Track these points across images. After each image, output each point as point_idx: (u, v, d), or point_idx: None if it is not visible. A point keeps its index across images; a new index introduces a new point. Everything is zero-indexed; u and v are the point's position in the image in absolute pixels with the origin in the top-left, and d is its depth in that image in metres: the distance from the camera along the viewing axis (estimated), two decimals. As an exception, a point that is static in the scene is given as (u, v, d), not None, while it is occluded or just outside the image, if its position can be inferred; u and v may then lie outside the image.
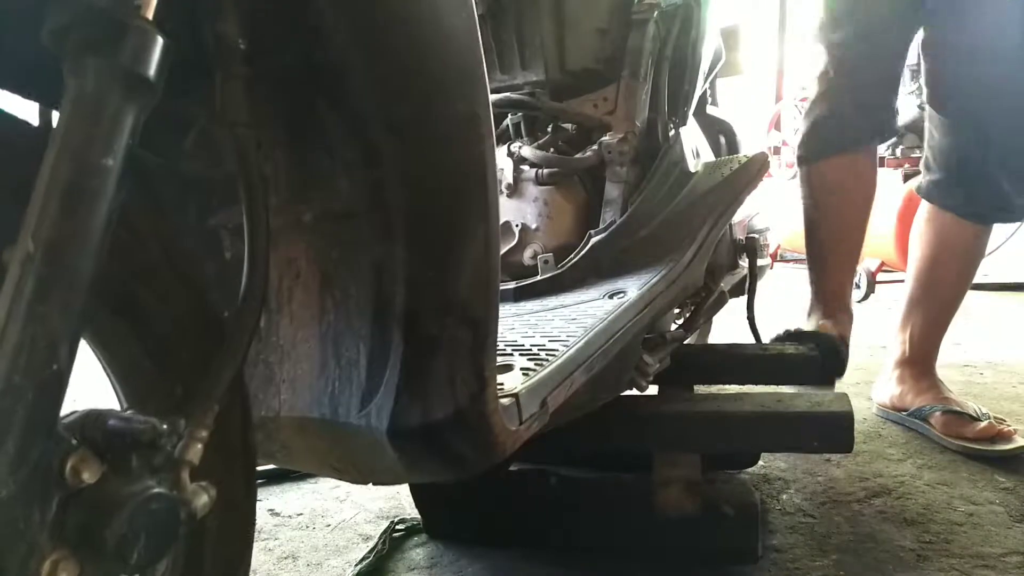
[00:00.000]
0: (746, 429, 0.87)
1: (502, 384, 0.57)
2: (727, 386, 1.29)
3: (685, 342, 1.21)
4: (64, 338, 0.32)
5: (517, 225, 1.02)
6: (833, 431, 0.85)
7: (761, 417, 0.87)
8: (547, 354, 0.63)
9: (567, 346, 0.66)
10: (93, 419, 0.34)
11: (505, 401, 0.53)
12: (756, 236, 1.32)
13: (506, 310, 0.87)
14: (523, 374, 0.59)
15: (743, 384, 1.23)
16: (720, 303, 1.10)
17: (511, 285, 0.93)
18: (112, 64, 0.34)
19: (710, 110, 1.41)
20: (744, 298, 1.32)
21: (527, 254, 1.00)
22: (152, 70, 0.35)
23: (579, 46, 1.06)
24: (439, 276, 0.49)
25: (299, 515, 1.12)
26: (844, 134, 1.33)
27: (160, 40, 0.36)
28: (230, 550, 0.43)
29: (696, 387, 1.19)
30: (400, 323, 0.49)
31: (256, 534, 1.08)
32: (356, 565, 0.94)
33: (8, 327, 0.31)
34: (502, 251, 1.03)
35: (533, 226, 1.02)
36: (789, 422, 0.86)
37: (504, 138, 1.09)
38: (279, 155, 0.51)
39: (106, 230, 0.34)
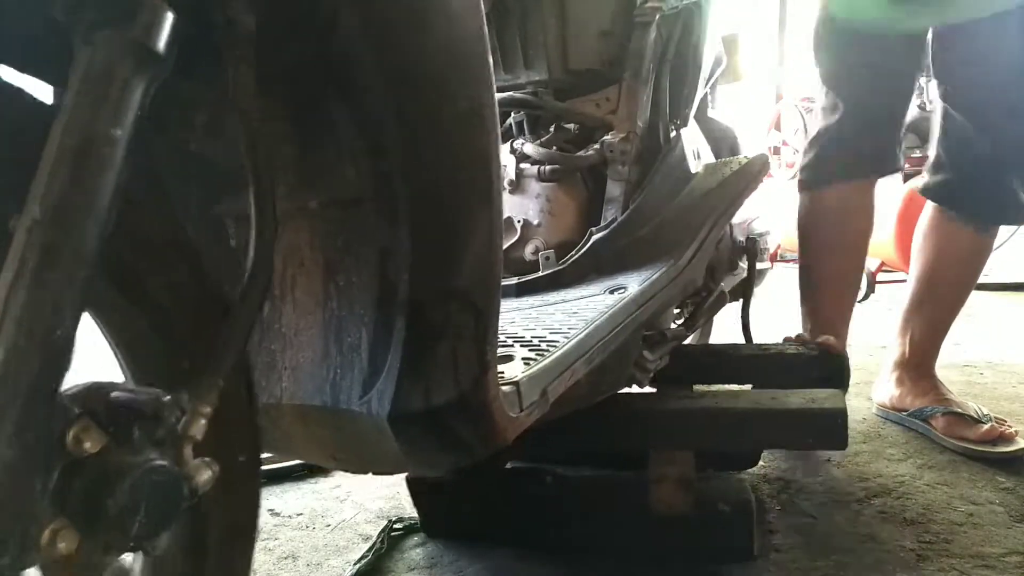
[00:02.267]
0: (741, 426, 0.87)
1: (503, 372, 0.57)
2: (727, 386, 1.30)
3: (685, 342, 1.21)
4: (69, 304, 0.32)
5: (519, 221, 1.03)
6: (828, 428, 0.85)
7: (756, 414, 0.87)
8: (548, 345, 0.64)
9: (568, 338, 0.66)
10: (96, 390, 0.34)
11: (506, 388, 0.53)
12: (756, 239, 1.32)
13: (507, 304, 0.87)
14: (524, 363, 0.59)
15: (742, 384, 1.23)
16: (720, 303, 1.10)
17: (513, 281, 0.94)
18: (123, 37, 0.35)
19: (711, 114, 1.42)
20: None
21: (528, 250, 1.01)
22: (162, 44, 0.36)
23: (582, 47, 1.07)
24: (443, 264, 0.49)
25: (299, 515, 1.12)
26: (851, 163, 1.32)
27: (171, 16, 0.36)
28: (234, 528, 0.43)
29: (695, 387, 1.19)
30: (404, 309, 0.50)
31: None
32: (355, 564, 0.94)
33: (13, 291, 0.31)
34: (504, 246, 1.04)
35: (535, 222, 1.03)
36: (784, 419, 0.87)
37: (507, 136, 1.10)
38: (287, 143, 0.52)
39: (113, 199, 0.34)
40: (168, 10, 0.35)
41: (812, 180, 1.38)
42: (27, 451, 0.31)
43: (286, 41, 0.45)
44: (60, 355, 0.32)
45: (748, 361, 1.19)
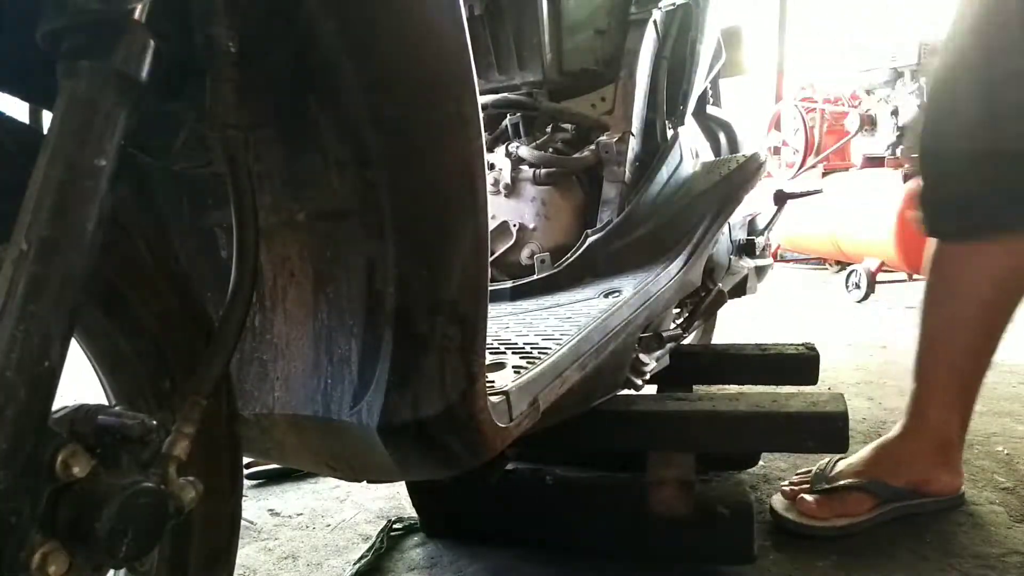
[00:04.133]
0: (741, 429, 0.87)
1: (493, 382, 0.57)
2: (727, 386, 1.29)
3: (685, 342, 1.21)
4: (56, 335, 0.33)
5: (515, 225, 1.02)
6: (828, 431, 0.85)
7: (756, 417, 0.87)
8: (540, 352, 0.64)
9: (560, 344, 0.66)
10: (83, 414, 0.35)
11: (495, 399, 0.53)
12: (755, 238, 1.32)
13: (502, 309, 0.87)
14: (514, 372, 0.59)
15: (742, 384, 1.23)
16: (719, 302, 1.10)
17: (508, 284, 0.94)
18: (105, 66, 0.35)
19: (711, 110, 1.41)
20: (744, 299, 1.32)
21: (524, 254, 1.01)
22: (144, 72, 0.36)
23: (577, 47, 1.07)
24: (429, 275, 0.49)
25: (299, 515, 1.13)
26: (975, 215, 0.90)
27: (151, 43, 0.36)
28: (215, 542, 0.43)
29: (696, 387, 1.19)
30: (391, 321, 0.50)
31: (256, 534, 1.09)
32: (355, 564, 0.94)
33: (1, 324, 0.32)
34: (500, 251, 1.04)
35: (531, 226, 1.02)
36: (784, 422, 0.86)
37: (503, 138, 1.10)
38: (272, 154, 0.52)
39: (98, 229, 0.34)
40: (149, 37, 0.36)
41: (931, 230, 0.96)
42: (16, 478, 0.31)
43: (266, 52, 0.45)
44: (48, 384, 0.33)
45: (749, 361, 1.18)
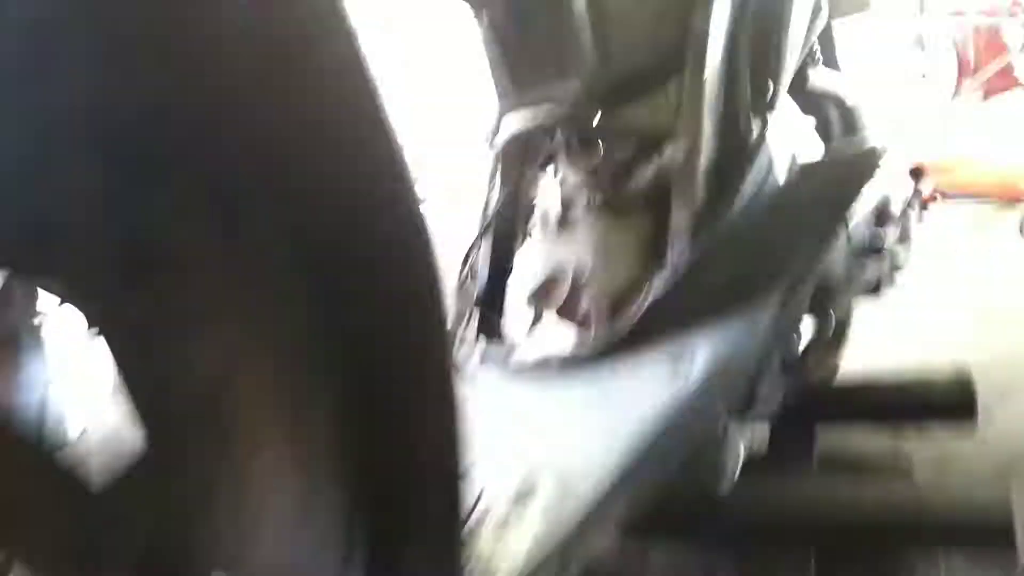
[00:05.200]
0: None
1: (503, 541, 0.46)
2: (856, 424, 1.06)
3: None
4: None
5: (568, 268, 0.87)
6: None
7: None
8: (565, 492, 0.51)
9: (604, 470, 0.52)
10: None
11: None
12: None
13: (545, 391, 0.74)
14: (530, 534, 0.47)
15: (878, 423, 1.00)
16: (841, 337, 0.87)
17: (555, 354, 0.79)
18: None
19: (817, 78, 1.12)
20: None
21: (579, 302, 0.86)
22: None
23: (629, 38, 0.87)
24: (398, 468, 0.39)
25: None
26: None
27: None
28: None
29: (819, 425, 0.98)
30: (368, 518, 0.41)
31: None
32: None
33: None
34: (553, 300, 0.89)
35: (585, 267, 0.87)
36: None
37: (548, 163, 0.94)
38: None
39: None
40: None
41: None
42: None
43: None
44: None
45: (884, 395, 0.96)
